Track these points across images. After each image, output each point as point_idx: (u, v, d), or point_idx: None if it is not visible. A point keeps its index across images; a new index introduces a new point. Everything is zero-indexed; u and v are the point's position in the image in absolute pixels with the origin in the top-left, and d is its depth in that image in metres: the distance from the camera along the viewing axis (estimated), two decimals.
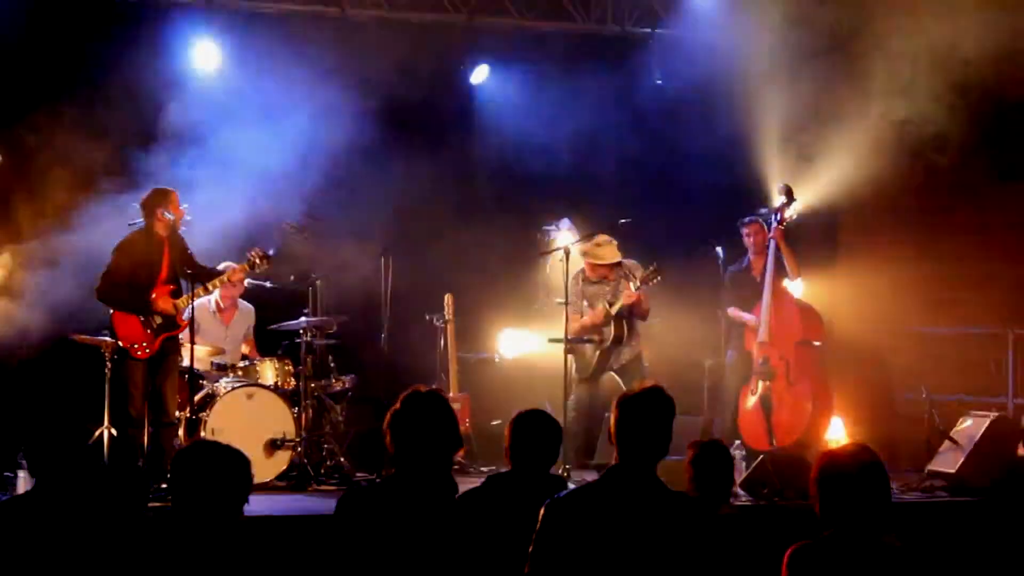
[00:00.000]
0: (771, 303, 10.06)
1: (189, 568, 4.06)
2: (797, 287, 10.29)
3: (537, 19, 11.59)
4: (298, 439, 9.15)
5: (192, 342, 8.72)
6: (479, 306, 11.15)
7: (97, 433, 8.75)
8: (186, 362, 8.86)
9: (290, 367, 9.60)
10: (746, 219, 10.44)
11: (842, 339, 11.05)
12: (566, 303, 9.57)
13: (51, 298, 9.47)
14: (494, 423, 10.32)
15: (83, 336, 9.15)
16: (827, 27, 10.42)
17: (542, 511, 4.15)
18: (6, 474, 8.40)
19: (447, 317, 10.52)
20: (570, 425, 9.54)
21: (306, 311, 9.67)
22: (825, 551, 4.04)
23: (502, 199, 11.68)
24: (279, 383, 9.47)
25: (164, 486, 7.87)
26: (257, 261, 9.15)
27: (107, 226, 9.25)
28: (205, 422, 8.85)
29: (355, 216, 10.57)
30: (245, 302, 10.12)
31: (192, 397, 9.02)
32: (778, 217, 10.16)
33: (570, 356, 9.64)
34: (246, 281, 9.78)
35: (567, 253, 9.54)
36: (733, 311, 10.37)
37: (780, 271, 10.16)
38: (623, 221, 9.77)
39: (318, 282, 9.76)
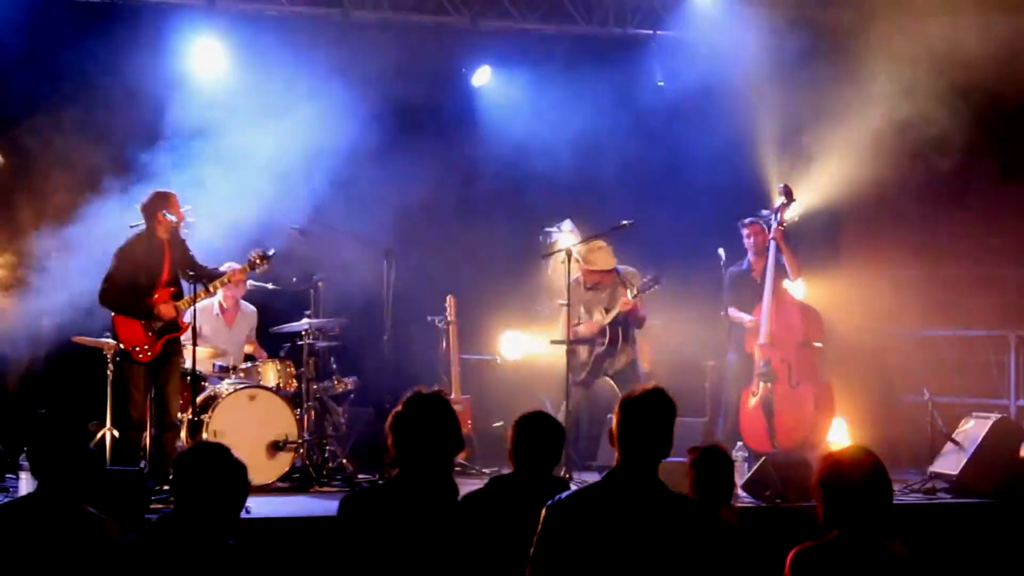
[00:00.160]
0: (772, 305, 10.06)
1: (192, 570, 4.07)
2: (799, 289, 10.29)
3: (539, 21, 11.58)
4: (300, 441, 9.15)
5: (194, 344, 8.72)
6: (481, 308, 11.15)
7: (99, 435, 8.76)
8: (188, 364, 8.87)
9: (292, 369, 9.60)
10: (746, 220, 10.44)
11: (844, 341, 11.04)
12: (568, 305, 9.57)
13: (53, 300, 9.48)
14: (496, 425, 10.32)
15: (85, 338, 9.16)
16: (828, 28, 10.43)
17: (543, 513, 4.15)
18: (8, 476, 8.41)
19: (449, 319, 10.52)
20: (567, 429, 9.53)
21: (308, 313, 9.67)
22: (828, 553, 4.04)
23: (504, 201, 11.69)
24: (281, 385, 9.47)
25: (166, 488, 7.87)
26: (257, 261, 9.15)
27: (109, 228, 9.26)
28: (207, 424, 8.85)
29: (357, 218, 10.57)
30: (248, 304, 10.13)
31: (194, 399, 9.03)
32: (778, 218, 10.16)
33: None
34: (248, 283, 9.78)
35: (569, 255, 9.54)
36: (732, 312, 10.37)
37: (780, 272, 10.16)
38: (625, 223, 9.76)
39: (320, 284, 9.77)
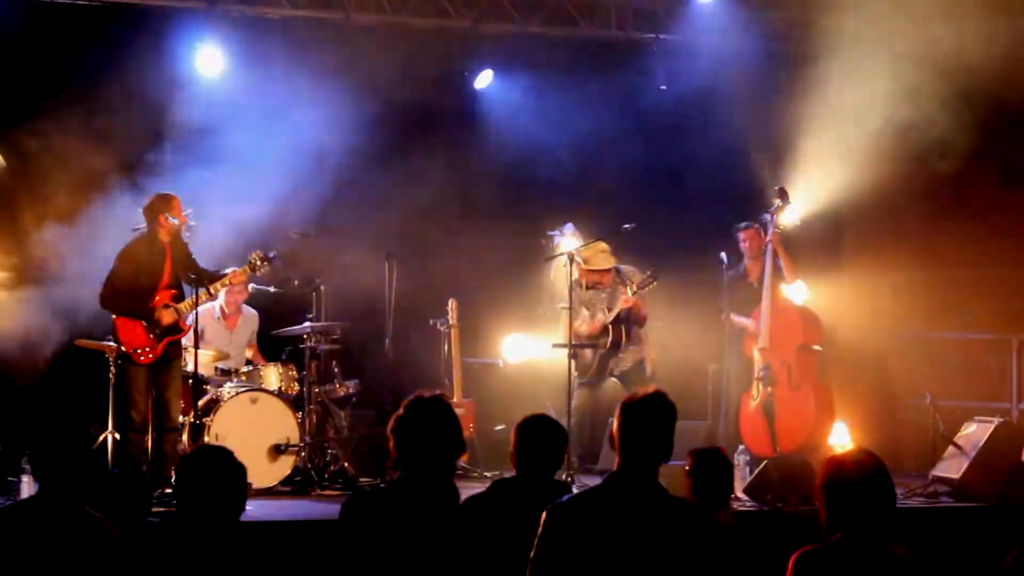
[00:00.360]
0: (770, 308, 10.05)
1: (193, 573, 4.07)
2: (800, 292, 10.28)
3: (541, 24, 11.58)
4: (302, 444, 9.15)
5: (196, 347, 8.72)
6: (483, 311, 11.15)
7: (101, 438, 8.76)
8: (190, 367, 8.87)
9: (294, 372, 9.60)
10: (742, 224, 10.45)
11: (846, 344, 11.04)
12: (570, 308, 9.57)
13: (55, 302, 9.48)
14: (498, 428, 10.31)
15: (87, 341, 9.17)
16: (830, 32, 10.43)
17: (543, 516, 4.15)
18: (10, 479, 8.41)
19: (451, 322, 10.52)
20: (572, 431, 9.54)
21: (310, 316, 9.67)
22: (831, 557, 4.04)
23: (506, 204, 11.68)
24: (283, 388, 9.47)
25: (168, 491, 7.88)
26: (258, 263, 9.16)
27: (111, 231, 9.27)
28: (209, 427, 8.86)
29: (359, 221, 10.58)
30: (249, 307, 10.13)
31: (196, 402, 9.04)
32: (774, 220, 10.16)
33: (574, 360, 9.63)
34: (250, 286, 9.79)
35: (571, 258, 9.55)
36: (733, 317, 10.35)
37: (778, 275, 10.16)
38: (627, 226, 9.76)
39: (322, 287, 9.76)
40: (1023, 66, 9.72)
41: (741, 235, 10.42)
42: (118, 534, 4.50)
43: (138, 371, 8.69)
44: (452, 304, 10.54)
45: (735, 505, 8.24)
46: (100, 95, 10.12)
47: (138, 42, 10.39)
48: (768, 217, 10.21)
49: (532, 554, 4.13)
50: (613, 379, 10.09)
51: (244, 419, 8.97)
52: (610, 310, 9.97)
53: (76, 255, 9.51)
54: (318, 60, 10.57)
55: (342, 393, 9.82)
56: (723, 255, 10.50)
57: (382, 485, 8.90)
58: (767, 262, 10.13)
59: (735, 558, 5.32)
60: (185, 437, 8.96)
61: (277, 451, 9.03)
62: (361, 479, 9.40)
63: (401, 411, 4.35)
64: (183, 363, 8.95)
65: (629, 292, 9.83)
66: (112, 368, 8.87)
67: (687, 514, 4.15)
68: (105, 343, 8.95)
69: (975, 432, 9.27)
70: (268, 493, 8.72)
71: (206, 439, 8.74)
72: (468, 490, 4.97)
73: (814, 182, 10.62)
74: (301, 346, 9.61)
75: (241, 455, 4.34)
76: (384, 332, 9.92)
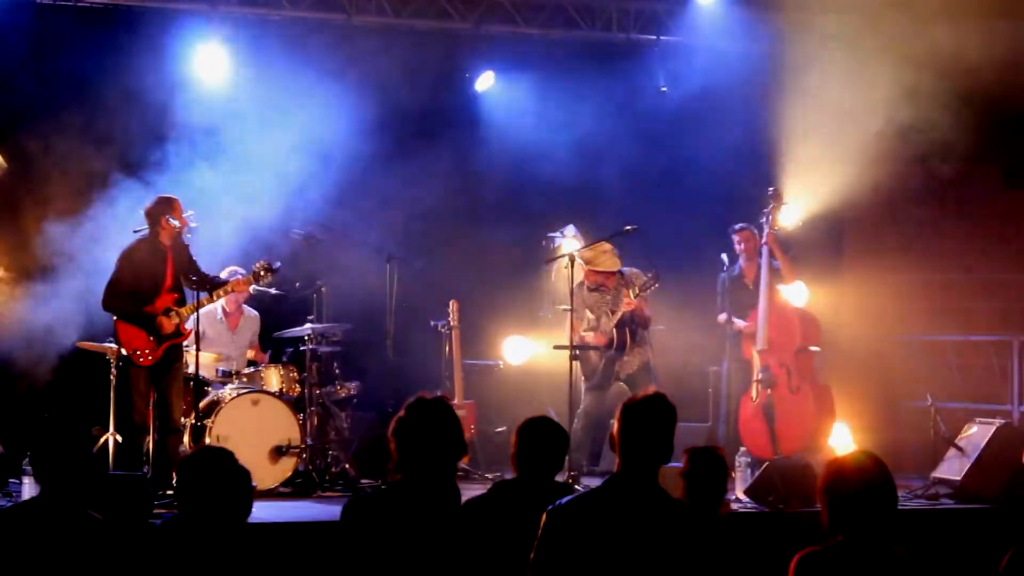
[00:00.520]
0: (768, 310, 10.05)
1: (196, 574, 4.07)
2: (800, 294, 10.27)
3: (542, 26, 11.59)
4: (303, 446, 9.15)
5: (197, 349, 8.73)
6: (484, 313, 11.15)
7: (102, 440, 8.76)
8: (191, 369, 8.88)
9: (295, 374, 9.60)
10: (737, 226, 10.45)
11: (847, 346, 11.04)
12: (571, 310, 9.57)
13: (57, 305, 9.49)
14: (499, 430, 10.32)
15: (88, 343, 9.17)
16: (831, 33, 10.43)
17: (543, 518, 4.15)
18: (12, 480, 8.42)
19: (452, 324, 10.52)
20: (577, 434, 9.54)
21: (311, 318, 9.67)
22: (833, 558, 4.04)
23: (507, 206, 11.69)
24: (284, 390, 9.47)
25: (169, 493, 7.88)
26: (262, 273, 9.16)
27: (113, 233, 9.27)
28: (210, 429, 8.85)
29: (360, 222, 10.58)
30: (250, 308, 10.13)
31: (197, 404, 9.04)
32: (769, 221, 10.17)
33: (576, 362, 9.63)
34: (251, 288, 9.79)
35: (572, 260, 9.54)
36: (724, 318, 10.36)
37: (775, 277, 10.16)
38: (628, 228, 9.76)
39: (323, 289, 9.76)
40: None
41: (736, 237, 10.42)
42: (120, 536, 4.51)
43: (139, 373, 8.68)
44: (453, 306, 10.54)
45: (736, 506, 8.27)
46: (102, 97, 10.12)
47: (140, 44, 10.40)
48: (763, 218, 10.22)
49: (532, 556, 4.14)
50: (620, 383, 10.06)
51: (245, 421, 8.97)
52: (613, 313, 9.96)
53: (78, 257, 9.51)
54: (320, 61, 10.58)
55: (343, 395, 9.82)
56: (724, 256, 10.51)
57: (383, 487, 8.91)
58: (763, 263, 10.13)
59: (733, 558, 5.33)
60: (186, 439, 8.96)
61: (278, 453, 9.03)
62: (362, 481, 9.40)
63: (402, 413, 4.36)
64: (184, 365, 8.96)
65: (632, 295, 9.83)
66: (113, 370, 8.88)
67: (687, 516, 4.16)
68: (106, 345, 8.95)
69: (976, 434, 9.28)
70: (269, 495, 8.71)
71: (207, 441, 8.74)
72: (469, 492, 4.97)
73: (815, 184, 10.62)
74: (302, 347, 9.61)
75: (242, 457, 4.35)
76: (385, 334, 9.92)
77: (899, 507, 4.18)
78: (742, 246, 10.39)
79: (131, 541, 4.28)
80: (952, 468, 9.16)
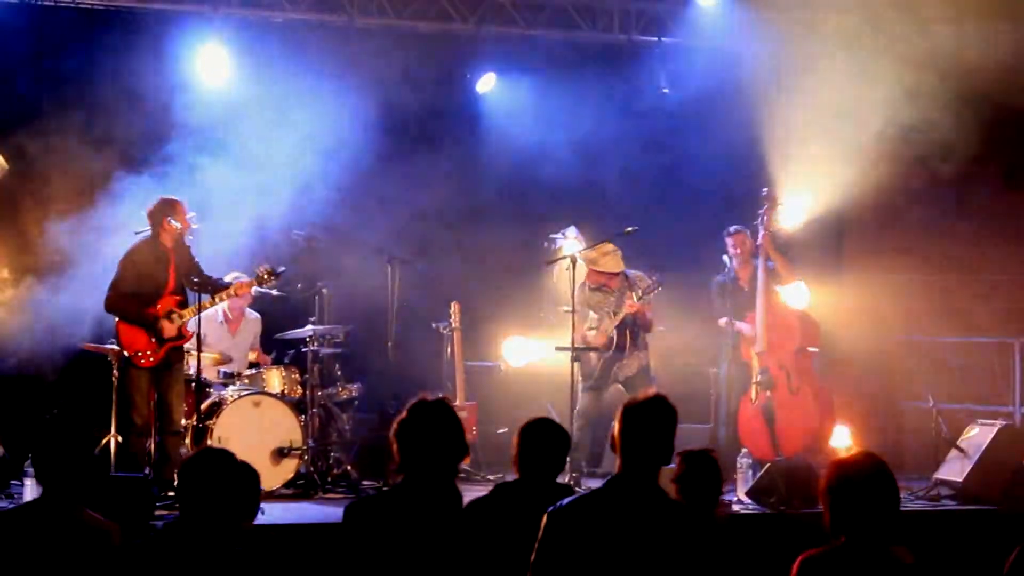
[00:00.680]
0: (765, 312, 10.04)
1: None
2: (802, 295, 10.26)
3: (543, 27, 11.59)
4: (305, 447, 9.14)
5: (199, 350, 8.73)
6: (485, 314, 11.16)
7: (104, 441, 8.76)
8: (192, 370, 8.88)
9: (297, 375, 9.60)
10: (731, 229, 10.44)
11: (849, 348, 11.03)
12: (572, 311, 9.57)
13: (59, 306, 9.49)
14: (500, 431, 10.31)
15: (90, 344, 9.17)
16: (832, 35, 10.43)
17: (544, 519, 4.15)
18: (13, 482, 8.42)
19: (453, 325, 10.52)
20: (574, 435, 9.53)
21: (313, 319, 9.67)
22: (836, 560, 4.04)
23: (508, 207, 11.69)
24: (286, 391, 9.47)
25: (171, 494, 7.87)
26: (265, 277, 9.17)
27: (114, 234, 9.28)
28: (212, 430, 8.85)
29: (362, 224, 10.58)
30: (252, 311, 10.13)
31: (199, 405, 9.03)
32: (764, 223, 10.16)
33: (576, 363, 9.64)
34: (253, 289, 9.79)
35: (573, 262, 9.54)
36: (725, 321, 10.35)
37: (773, 278, 10.15)
38: (629, 229, 9.76)
39: (325, 290, 9.76)
40: None
41: (730, 240, 10.41)
42: (121, 538, 4.51)
43: (140, 374, 8.69)
44: (454, 307, 10.54)
45: (738, 508, 8.27)
46: (103, 99, 10.12)
47: (141, 45, 10.41)
48: (758, 220, 10.21)
49: (533, 557, 4.14)
50: (617, 385, 10.06)
51: (247, 422, 8.97)
52: (615, 315, 9.96)
53: (79, 259, 9.52)
54: (321, 63, 10.58)
55: (345, 396, 9.82)
56: (726, 258, 10.50)
57: (385, 488, 8.91)
58: (759, 265, 10.12)
59: (733, 560, 5.33)
60: (188, 440, 8.96)
61: (280, 454, 9.03)
62: (364, 482, 9.40)
63: (404, 414, 4.36)
64: (185, 366, 8.96)
65: (635, 298, 9.83)
66: (115, 372, 8.88)
67: (687, 517, 4.16)
68: (108, 346, 8.95)
69: (978, 435, 9.28)
70: (271, 496, 8.71)
71: (209, 442, 8.73)
72: (471, 493, 4.98)
73: (815, 185, 10.62)
74: (304, 349, 9.61)
75: (243, 458, 4.34)
76: (387, 335, 9.92)
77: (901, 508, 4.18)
78: (736, 249, 10.38)
79: (132, 543, 4.28)
80: (954, 469, 9.16)
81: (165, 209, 8.78)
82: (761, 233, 10.16)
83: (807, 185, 10.60)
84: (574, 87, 11.59)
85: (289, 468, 9.07)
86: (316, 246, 9.84)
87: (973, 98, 10.01)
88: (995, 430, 9.20)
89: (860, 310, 11.11)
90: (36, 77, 10.30)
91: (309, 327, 9.60)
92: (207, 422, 8.92)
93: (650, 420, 4.16)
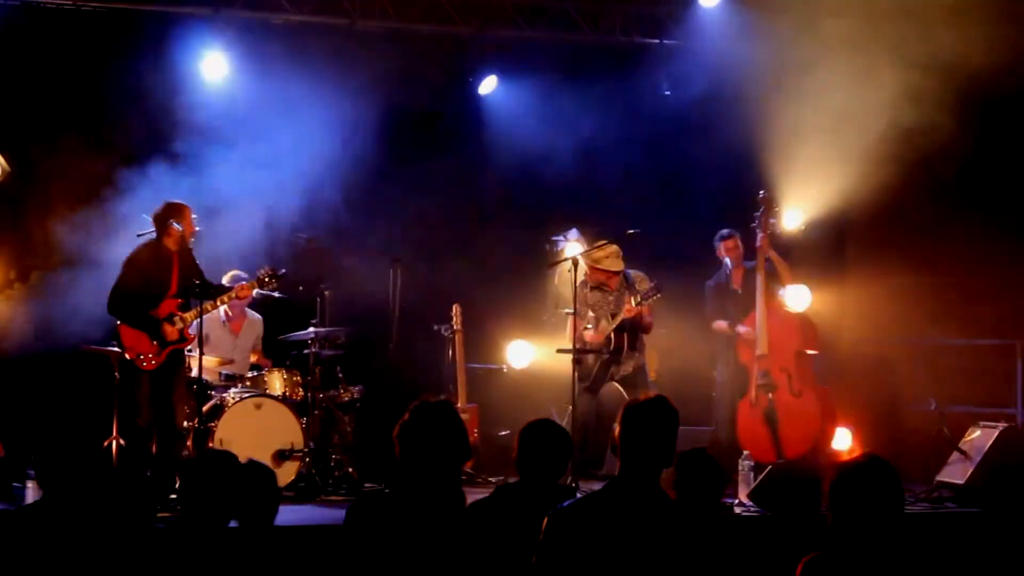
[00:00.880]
0: (765, 315, 10.03)
1: None
2: (804, 298, 10.25)
3: (545, 30, 11.59)
4: (306, 449, 9.15)
5: (200, 352, 8.72)
6: (487, 317, 11.16)
7: (105, 443, 8.76)
8: (194, 372, 8.87)
9: (298, 377, 9.61)
10: (724, 232, 10.45)
11: (850, 350, 11.03)
12: (574, 313, 9.57)
13: (61, 308, 9.49)
14: (502, 433, 10.32)
15: (92, 346, 9.17)
16: (833, 37, 10.42)
17: (545, 521, 4.15)
18: (15, 484, 8.41)
19: (455, 327, 10.52)
20: (572, 436, 9.52)
21: (314, 321, 9.67)
22: (839, 562, 4.03)
23: (510, 209, 11.70)
24: (287, 393, 9.48)
25: (172, 496, 7.87)
26: (266, 279, 9.17)
27: (116, 237, 9.28)
28: (213, 432, 8.86)
29: (363, 226, 10.58)
30: (254, 313, 10.13)
31: (200, 407, 9.03)
32: (761, 226, 10.16)
33: (578, 366, 9.63)
34: (254, 291, 9.79)
35: (575, 264, 9.54)
36: (720, 324, 10.34)
37: (772, 281, 10.14)
38: (630, 232, 9.76)
39: (326, 293, 9.76)
40: None
41: (724, 243, 10.41)
42: (123, 540, 4.50)
43: (142, 377, 8.68)
44: (456, 309, 10.54)
45: (740, 511, 8.27)
46: (104, 101, 10.14)
47: (143, 48, 10.42)
48: (755, 223, 10.21)
49: (534, 559, 4.13)
50: (614, 384, 10.07)
51: (249, 424, 8.98)
52: (614, 316, 9.96)
53: (81, 261, 9.52)
54: (323, 66, 10.58)
55: (347, 398, 9.81)
56: (727, 260, 10.49)
57: (387, 490, 8.90)
58: (758, 268, 10.11)
59: (734, 561, 5.33)
60: (190, 443, 8.96)
61: (282, 456, 9.03)
62: (366, 484, 9.40)
63: (406, 416, 4.36)
64: (187, 368, 8.96)
65: (633, 302, 9.83)
66: (117, 374, 8.87)
67: (687, 519, 4.15)
68: (109, 348, 8.95)
69: (980, 437, 9.27)
70: None
71: (211, 445, 8.74)
72: (472, 495, 4.97)
73: (817, 187, 10.61)
74: (306, 351, 9.62)
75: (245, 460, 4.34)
76: (389, 337, 9.92)
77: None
78: (730, 253, 10.38)
79: (134, 545, 4.28)
80: (956, 472, 9.16)
81: (171, 213, 8.77)
82: (759, 235, 10.16)
83: (809, 187, 10.59)
84: (575, 89, 11.58)
85: (290, 470, 9.08)
86: (318, 248, 9.84)
87: (975, 100, 10.01)
88: (997, 432, 9.18)
89: (862, 312, 11.11)
90: (36, 80, 10.29)
91: (311, 329, 9.60)
92: (209, 424, 8.93)
93: (651, 422, 4.16)
